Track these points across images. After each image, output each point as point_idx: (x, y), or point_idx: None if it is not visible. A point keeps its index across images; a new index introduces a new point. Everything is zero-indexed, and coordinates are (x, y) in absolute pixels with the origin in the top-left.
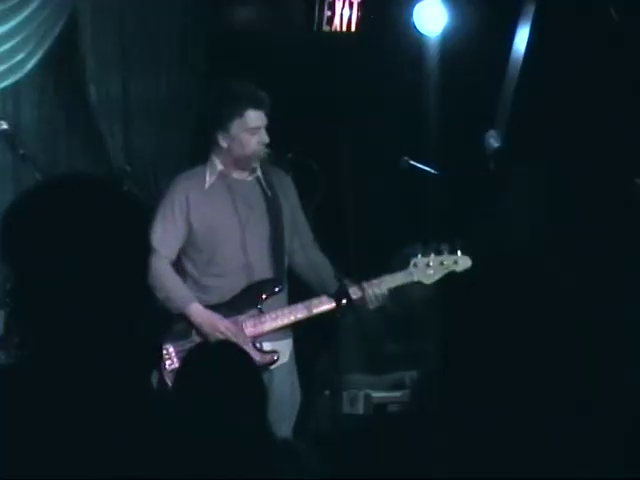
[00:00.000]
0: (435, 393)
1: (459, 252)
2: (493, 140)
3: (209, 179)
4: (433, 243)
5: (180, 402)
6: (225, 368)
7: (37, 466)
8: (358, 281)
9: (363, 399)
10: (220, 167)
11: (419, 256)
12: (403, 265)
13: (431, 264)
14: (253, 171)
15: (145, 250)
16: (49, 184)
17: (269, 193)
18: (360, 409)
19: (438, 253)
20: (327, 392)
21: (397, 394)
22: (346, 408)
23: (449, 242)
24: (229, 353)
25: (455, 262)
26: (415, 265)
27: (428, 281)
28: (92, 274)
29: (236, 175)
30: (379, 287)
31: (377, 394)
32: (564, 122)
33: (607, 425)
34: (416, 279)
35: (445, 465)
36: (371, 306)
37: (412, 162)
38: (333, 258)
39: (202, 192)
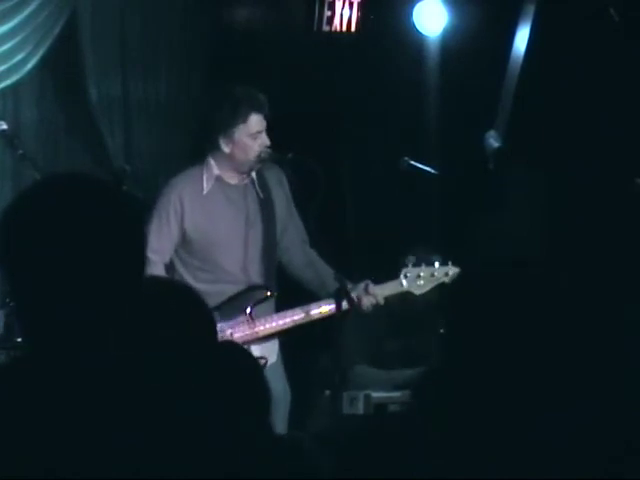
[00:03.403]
0: (435, 391)
1: (450, 264)
2: (493, 140)
3: (206, 184)
4: (424, 254)
5: (182, 401)
6: (227, 367)
7: (34, 466)
8: (356, 282)
9: (363, 399)
10: (217, 172)
11: (410, 266)
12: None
13: (422, 275)
14: (248, 175)
15: (142, 248)
16: (46, 184)
17: (262, 195)
18: (360, 409)
19: (429, 264)
20: (327, 392)
21: (397, 394)
22: (346, 408)
23: (440, 253)
24: (231, 352)
25: (446, 274)
26: (405, 276)
27: (418, 292)
28: (89, 273)
29: (232, 180)
30: (375, 297)
31: (377, 394)
32: (564, 122)
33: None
34: (406, 289)
35: (443, 463)
36: (366, 312)
37: (412, 162)
38: (333, 258)
39: (199, 198)
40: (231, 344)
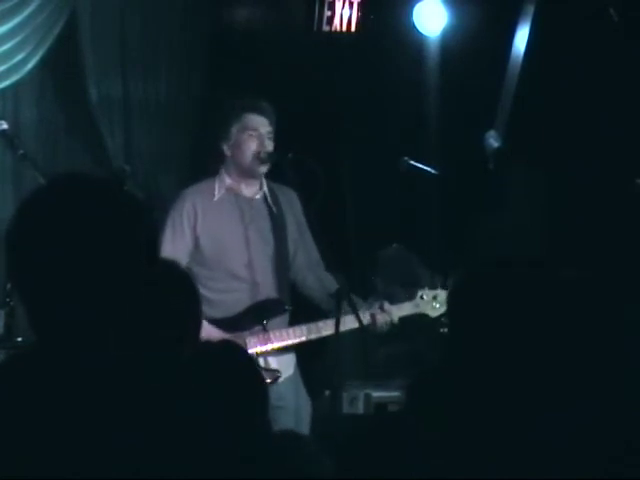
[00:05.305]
0: (433, 390)
1: None
2: (493, 140)
3: (218, 192)
4: (440, 277)
5: (181, 401)
6: (226, 367)
7: (33, 465)
8: (356, 285)
9: (363, 399)
10: (229, 181)
11: (426, 289)
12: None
13: (438, 297)
14: (260, 186)
15: (143, 247)
16: (48, 185)
17: (274, 210)
18: (360, 409)
19: (445, 287)
20: (327, 392)
21: (397, 394)
22: (346, 408)
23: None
24: (230, 352)
25: None
26: (422, 297)
27: (434, 314)
28: (90, 273)
29: (244, 192)
30: (390, 316)
31: (377, 394)
32: (564, 122)
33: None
34: (422, 311)
35: (443, 462)
36: (380, 331)
37: (412, 162)
38: (333, 258)
39: (210, 204)
40: (229, 343)
